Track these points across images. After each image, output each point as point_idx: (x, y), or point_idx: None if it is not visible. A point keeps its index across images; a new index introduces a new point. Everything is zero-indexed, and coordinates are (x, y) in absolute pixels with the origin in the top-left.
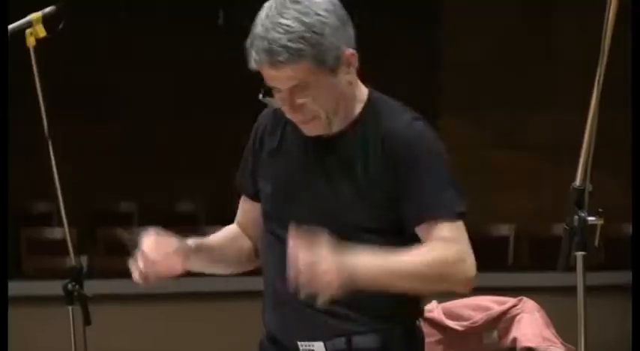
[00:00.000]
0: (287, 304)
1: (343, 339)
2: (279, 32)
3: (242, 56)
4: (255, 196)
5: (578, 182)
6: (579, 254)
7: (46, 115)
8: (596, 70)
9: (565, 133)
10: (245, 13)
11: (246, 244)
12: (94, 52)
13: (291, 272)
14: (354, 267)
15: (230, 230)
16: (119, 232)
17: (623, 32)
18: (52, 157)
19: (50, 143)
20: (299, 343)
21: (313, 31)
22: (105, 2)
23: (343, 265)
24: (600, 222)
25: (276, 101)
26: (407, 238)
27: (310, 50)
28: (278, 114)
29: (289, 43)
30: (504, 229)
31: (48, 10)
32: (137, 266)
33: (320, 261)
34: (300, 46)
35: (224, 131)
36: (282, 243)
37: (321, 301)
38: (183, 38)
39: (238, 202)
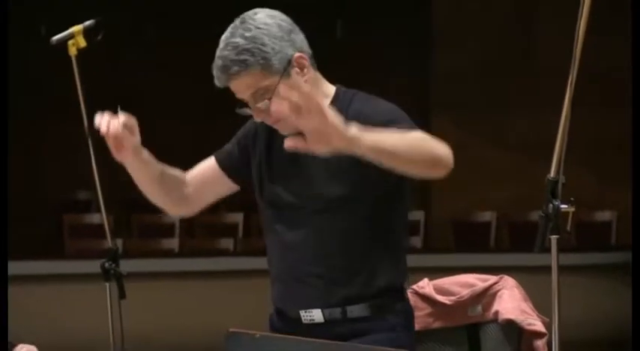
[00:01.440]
0: (288, 279)
1: (339, 309)
2: (228, 50)
3: None
4: (224, 168)
5: (552, 174)
6: (553, 237)
7: (87, 116)
8: (570, 72)
9: (540, 133)
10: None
11: (182, 186)
12: (126, 61)
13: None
14: (358, 130)
15: (180, 172)
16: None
17: (597, 40)
18: (92, 153)
19: (90, 140)
20: (300, 312)
21: (254, 43)
22: (135, 17)
23: (346, 131)
24: (572, 209)
25: (247, 111)
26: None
27: (254, 59)
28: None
29: (236, 57)
30: (487, 216)
31: (88, 23)
32: (104, 122)
33: (330, 114)
34: (245, 57)
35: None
36: (278, 223)
37: (319, 150)
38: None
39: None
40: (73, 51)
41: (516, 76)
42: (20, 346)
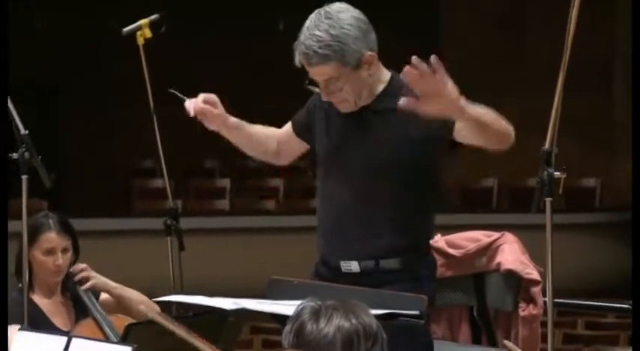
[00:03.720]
0: (331, 233)
1: (373, 261)
2: (312, 41)
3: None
4: (296, 132)
5: (547, 146)
6: (548, 200)
7: (152, 95)
8: (561, 61)
9: (535, 111)
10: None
11: (272, 144)
12: (186, 51)
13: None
14: (465, 101)
15: (270, 130)
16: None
17: (588, 27)
18: (156, 126)
19: (155, 117)
20: (340, 262)
21: (338, 41)
22: (198, 12)
23: (457, 95)
24: (563, 176)
25: (316, 88)
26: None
27: (335, 55)
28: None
29: (319, 50)
30: (490, 182)
31: (153, 17)
32: (190, 104)
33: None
34: (327, 52)
35: (283, 112)
36: (328, 182)
37: (433, 112)
38: (248, 39)
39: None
40: (140, 41)
41: (512, 63)
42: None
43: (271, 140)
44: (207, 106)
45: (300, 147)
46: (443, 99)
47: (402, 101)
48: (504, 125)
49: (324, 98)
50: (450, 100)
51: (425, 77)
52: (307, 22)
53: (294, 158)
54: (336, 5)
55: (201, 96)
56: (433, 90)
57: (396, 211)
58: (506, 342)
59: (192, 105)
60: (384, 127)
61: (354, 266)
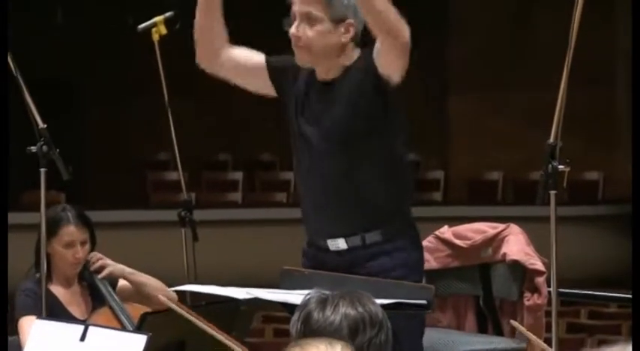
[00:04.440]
0: (314, 214)
1: (358, 236)
2: None
3: None
4: (270, 68)
5: (551, 140)
6: (552, 193)
7: (166, 90)
8: (566, 57)
9: (540, 106)
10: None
11: (219, 44)
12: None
13: None
14: None
15: (225, 33)
16: None
17: (591, 26)
18: (171, 120)
19: (169, 111)
20: (327, 241)
21: None
22: None
23: None
24: (567, 169)
25: (289, 23)
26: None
27: None
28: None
29: None
30: (495, 175)
31: (168, 14)
32: None
33: None
34: None
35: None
36: (302, 164)
37: None
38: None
39: None
40: (155, 37)
41: (517, 60)
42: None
43: (222, 38)
44: None
45: (253, 80)
46: None
47: None
48: (394, 14)
49: (292, 32)
50: None
51: None
52: None
53: (223, 75)
54: None
55: None
56: None
57: (368, 184)
58: (512, 322)
59: None
60: (340, 101)
61: (341, 243)
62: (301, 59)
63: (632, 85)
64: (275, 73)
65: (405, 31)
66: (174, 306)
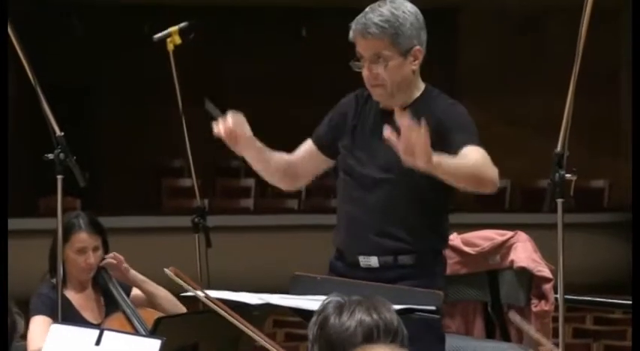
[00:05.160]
0: (353, 230)
1: (391, 257)
2: (374, 15)
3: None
4: (321, 147)
5: (559, 149)
6: (559, 200)
7: (181, 99)
8: (573, 67)
9: (547, 115)
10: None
11: (290, 168)
12: (213, 56)
13: (400, 144)
14: (437, 158)
15: (285, 155)
16: (207, 103)
17: (597, 39)
18: (185, 128)
19: (183, 118)
20: (359, 257)
21: (397, 20)
22: (222, 20)
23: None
24: (574, 177)
25: (359, 66)
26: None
27: (390, 31)
28: (359, 99)
29: (379, 22)
30: (503, 183)
31: (182, 25)
32: (220, 125)
33: (422, 133)
34: (385, 26)
35: (300, 113)
36: (350, 186)
37: (420, 163)
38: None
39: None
40: (170, 47)
41: (525, 70)
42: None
43: (290, 165)
44: (237, 130)
45: (321, 164)
46: (417, 154)
47: (386, 131)
48: (483, 174)
49: (365, 76)
50: (423, 157)
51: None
52: (371, 5)
53: (312, 177)
54: None
55: (232, 117)
56: (413, 146)
57: (415, 211)
58: (511, 314)
59: (221, 127)
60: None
61: (373, 261)
62: (379, 96)
63: (632, 94)
64: (325, 140)
65: (494, 182)
66: (214, 306)
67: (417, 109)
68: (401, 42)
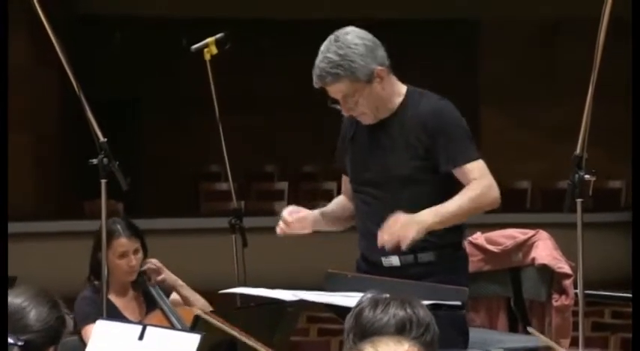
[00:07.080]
0: (370, 234)
1: (412, 255)
2: (324, 63)
3: None
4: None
5: (578, 151)
6: (578, 201)
7: (218, 107)
8: (590, 76)
9: (567, 120)
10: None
11: (349, 206)
12: (248, 66)
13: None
14: (422, 218)
15: (339, 199)
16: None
17: (612, 49)
18: (222, 135)
19: (220, 125)
20: (381, 258)
21: (346, 59)
22: (256, 33)
23: (413, 219)
24: (593, 178)
25: (337, 106)
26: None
27: (345, 73)
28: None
29: (331, 70)
30: (524, 184)
31: (219, 35)
32: (280, 225)
33: (397, 222)
34: (338, 71)
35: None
36: (363, 196)
37: (404, 247)
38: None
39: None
40: (207, 57)
41: (545, 78)
42: (147, 260)
43: (346, 203)
44: (295, 224)
45: None
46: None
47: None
48: (480, 204)
49: (345, 113)
50: (409, 239)
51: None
52: (321, 47)
53: None
54: (345, 29)
55: (287, 213)
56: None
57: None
58: (529, 329)
59: (284, 227)
60: (409, 134)
61: (394, 260)
62: (367, 121)
63: (632, 94)
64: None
65: (498, 202)
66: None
67: (401, 115)
68: (359, 76)
